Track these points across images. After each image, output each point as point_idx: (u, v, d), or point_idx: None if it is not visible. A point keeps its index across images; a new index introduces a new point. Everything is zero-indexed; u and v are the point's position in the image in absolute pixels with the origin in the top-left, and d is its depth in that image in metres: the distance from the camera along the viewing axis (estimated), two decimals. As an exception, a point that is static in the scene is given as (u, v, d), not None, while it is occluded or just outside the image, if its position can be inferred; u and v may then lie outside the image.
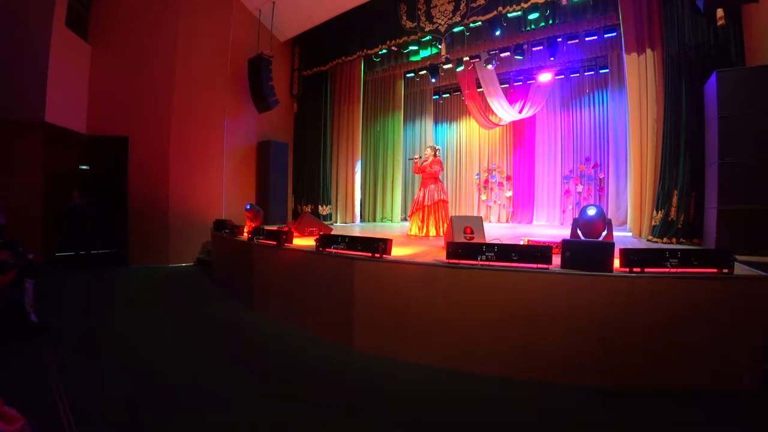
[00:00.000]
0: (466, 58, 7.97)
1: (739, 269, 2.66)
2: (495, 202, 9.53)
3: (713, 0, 4.25)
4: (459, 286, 2.92)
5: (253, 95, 8.11)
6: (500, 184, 9.48)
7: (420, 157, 6.19)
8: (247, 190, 8.64)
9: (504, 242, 3.11)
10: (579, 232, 3.37)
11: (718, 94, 4.05)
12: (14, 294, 3.40)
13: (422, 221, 5.88)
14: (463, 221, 3.91)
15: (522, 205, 9.13)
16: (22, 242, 4.83)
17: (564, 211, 8.55)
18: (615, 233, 3.51)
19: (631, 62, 5.63)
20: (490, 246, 2.93)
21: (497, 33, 6.97)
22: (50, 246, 7.19)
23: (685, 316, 2.51)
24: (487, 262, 2.88)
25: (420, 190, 6.04)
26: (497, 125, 9.10)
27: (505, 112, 8.61)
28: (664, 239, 4.91)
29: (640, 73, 5.55)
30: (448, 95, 10.15)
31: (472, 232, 3.78)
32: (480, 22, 6.90)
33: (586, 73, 8.29)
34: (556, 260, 2.82)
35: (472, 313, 2.87)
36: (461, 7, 6.90)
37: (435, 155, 6.06)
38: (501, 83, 8.60)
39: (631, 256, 2.64)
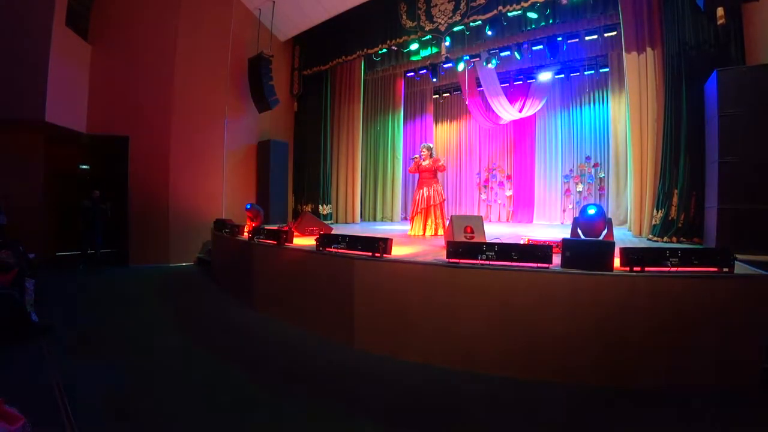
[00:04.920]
0: (466, 57, 7.96)
1: (740, 268, 2.65)
2: (495, 201, 9.52)
3: (713, -1, 4.24)
4: (459, 285, 2.92)
5: (253, 95, 8.11)
6: (500, 184, 9.48)
7: (419, 157, 6.19)
8: (248, 189, 8.64)
9: (504, 241, 3.11)
10: (579, 231, 3.37)
11: (719, 93, 4.05)
12: (15, 294, 3.40)
13: (425, 221, 5.88)
14: (464, 221, 3.91)
15: (522, 205, 9.12)
16: (22, 242, 4.85)
17: (564, 211, 8.54)
18: (615, 232, 3.50)
19: (631, 61, 5.63)
20: (491, 245, 2.93)
21: (497, 32, 6.97)
22: (51, 245, 7.21)
23: (685, 315, 2.51)
24: (488, 262, 2.88)
25: (419, 189, 6.02)
26: (497, 124, 9.10)
27: (506, 111, 8.60)
28: (665, 238, 4.91)
29: (640, 72, 5.55)
30: (448, 94, 10.13)
31: (472, 232, 3.78)
32: (480, 21, 6.89)
33: (586, 72, 8.27)
34: (557, 259, 2.82)
35: (472, 312, 2.87)
36: (461, 6, 6.89)
37: (432, 155, 6.07)
38: (501, 82, 8.59)
39: (631, 256, 2.64)
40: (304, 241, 4.52)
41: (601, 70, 8.07)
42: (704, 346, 2.50)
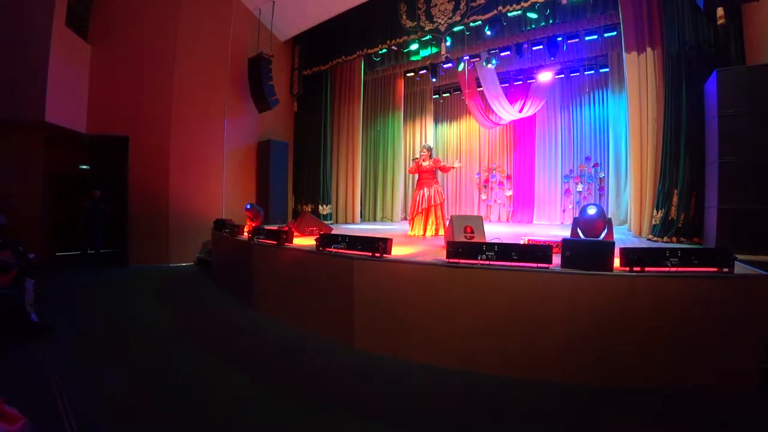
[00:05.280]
0: (466, 57, 7.96)
1: (740, 268, 2.65)
2: (495, 201, 9.52)
3: (713, -1, 4.25)
4: (459, 285, 2.92)
5: (253, 95, 8.11)
6: (500, 184, 9.48)
7: (420, 157, 6.19)
8: (248, 189, 8.64)
9: (504, 241, 3.11)
10: (579, 231, 3.37)
11: (719, 93, 4.05)
12: (15, 294, 3.40)
13: (425, 221, 5.88)
14: (464, 221, 3.91)
15: (522, 205, 9.13)
16: (22, 242, 4.85)
17: (564, 211, 8.55)
18: (615, 232, 3.50)
19: (631, 61, 5.63)
20: (491, 245, 2.93)
21: (497, 32, 6.97)
22: (51, 245, 7.20)
23: (685, 315, 2.51)
24: (488, 262, 2.88)
25: (419, 189, 6.02)
26: (497, 124, 9.09)
27: (505, 111, 8.60)
28: (665, 238, 4.91)
29: (640, 72, 5.55)
30: (448, 94, 10.14)
31: (472, 232, 3.78)
32: (480, 22, 6.90)
33: (586, 73, 8.28)
34: (557, 259, 2.82)
35: (472, 312, 2.87)
36: (461, 6, 6.89)
37: (432, 155, 6.08)
38: (501, 82, 8.59)
39: (631, 256, 2.64)
40: (304, 241, 4.52)
41: (601, 70, 8.08)
42: (704, 346, 2.50)
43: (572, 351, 2.63)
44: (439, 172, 6.26)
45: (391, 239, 3.39)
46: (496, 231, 6.28)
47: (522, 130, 9.22)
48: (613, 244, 2.77)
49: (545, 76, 8.29)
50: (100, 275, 6.19)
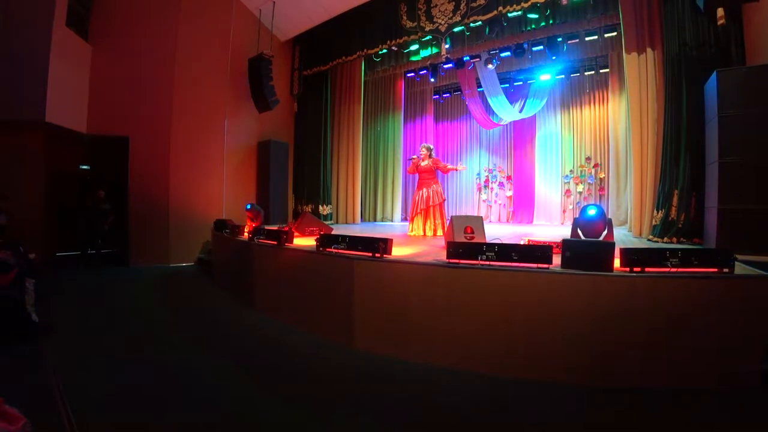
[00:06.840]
0: (466, 58, 7.96)
1: (740, 269, 2.65)
2: (495, 201, 9.52)
3: (714, -1, 4.25)
4: (459, 285, 2.92)
5: (253, 95, 8.11)
6: (501, 184, 9.48)
7: (417, 158, 6.19)
8: (248, 189, 8.64)
9: (504, 242, 3.11)
10: (579, 231, 3.37)
11: (719, 94, 4.05)
12: (15, 294, 3.40)
13: (425, 222, 5.88)
14: (464, 221, 3.91)
15: (522, 205, 9.13)
16: (22, 242, 4.85)
17: (564, 211, 8.54)
18: (615, 233, 3.50)
19: (631, 62, 5.63)
20: (491, 246, 2.93)
21: (497, 32, 6.97)
22: (51, 246, 7.20)
23: (685, 315, 2.51)
24: (488, 262, 2.88)
25: (419, 190, 6.02)
26: (498, 125, 9.10)
27: (506, 111, 8.60)
28: (665, 239, 4.91)
29: (640, 73, 5.55)
30: (448, 95, 10.13)
31: (472, 232, 3.78)
32: (480, 22, 6.91)
33: (586, 73, 8.26)
34: (557, 260, 2.82)
35: (473, 312, 2.87)
36: (461, 7, 6.90)
37: (431, 155, 6.07)
38: (501, 83, 8.59)
39: (631, 256, 2.64)
40: (304, 242, 4.52)
41: (601, 71, 8.07)
42: (704, 346, 2.49)
43: (572, 351, 2.63)
44: (440, 173, 6.26)
45: (392, 239, 3.39)
46: (496, 231, 6.28)
47: (522, 130, 9.21)
48: (613, 244, 2.77)
49: (545, 77, 8.29)
50: (100, 275, 6.19)
